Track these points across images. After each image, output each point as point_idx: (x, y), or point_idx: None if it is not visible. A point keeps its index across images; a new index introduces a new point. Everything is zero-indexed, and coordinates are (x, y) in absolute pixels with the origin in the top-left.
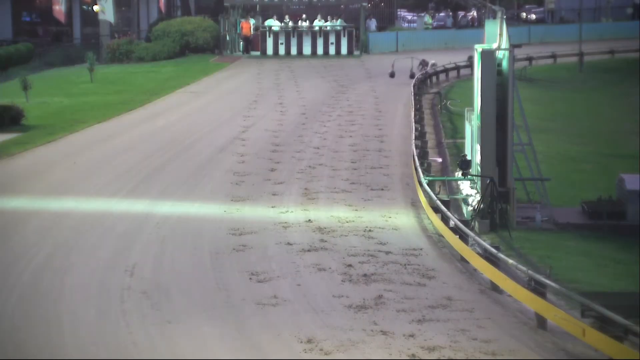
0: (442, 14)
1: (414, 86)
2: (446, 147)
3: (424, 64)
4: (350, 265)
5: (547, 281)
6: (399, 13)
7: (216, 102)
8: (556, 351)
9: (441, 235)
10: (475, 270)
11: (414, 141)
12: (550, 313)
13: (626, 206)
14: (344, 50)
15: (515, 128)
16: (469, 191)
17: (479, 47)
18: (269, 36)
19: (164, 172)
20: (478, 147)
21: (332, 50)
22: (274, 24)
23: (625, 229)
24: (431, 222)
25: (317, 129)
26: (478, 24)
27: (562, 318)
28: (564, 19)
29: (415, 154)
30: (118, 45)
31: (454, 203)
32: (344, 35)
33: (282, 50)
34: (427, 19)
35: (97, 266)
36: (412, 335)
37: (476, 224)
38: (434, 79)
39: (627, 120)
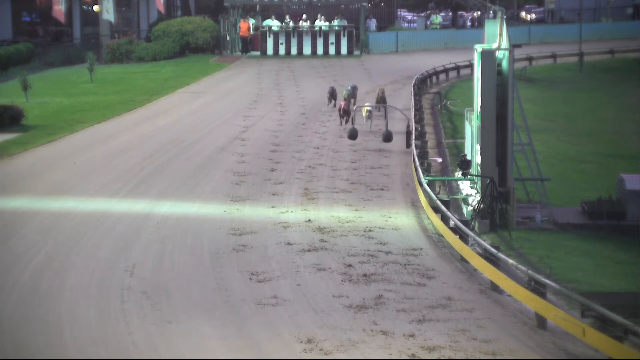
0: (441, 14)
1: (414, 86)
2: (446, 147)
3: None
4: (350, 265)
5: (547, 281)
6: (399, 13)
7: (216, 102)
8: (556, 351)
9: (441, 235)
10: (475, 270)
11: (414, 141)
12: (550, 313)
13: (626, 206)
14: (344, 50)
15: (515, 128)
16: (469, 191)
17: (479, 47)
18: (269, 36)
19: (164, 172)
20: (478, 147)
21: (332, 50)
22: (272, 23)
23: (625, 229)
24: (431, 222)
25: (317, 129)
26: (478, 24)
27: (562, 318)
28: (564, 19)
29: (415, 154)
30: (118, 45)
31: (454, 203)
32: (344, 35)
33: (282, 50)
34: (434, 18)
35: (97, 266)
36: (412, 335)
37: (476, 224)
38: (434, 79)
39: (627, 120)
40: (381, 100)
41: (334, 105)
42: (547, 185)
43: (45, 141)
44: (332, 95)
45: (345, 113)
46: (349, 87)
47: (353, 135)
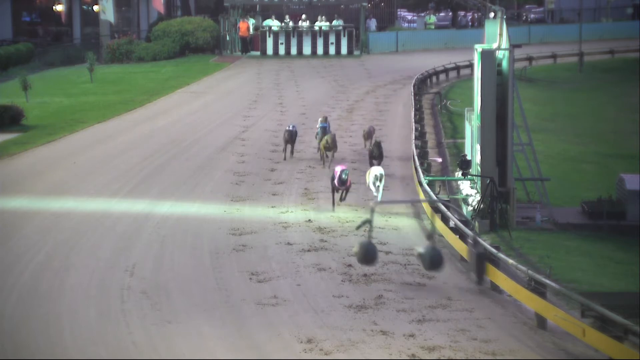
0: (441, 14)
1: (414, 86)
2: (446, 147)
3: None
4: (350, 265)
5: (547, 281)
6: (399, 13)
7: (216, 102)
8: (556, 351)
9: (441, 235)
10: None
11: (414, 141)
12: (550, 313)
13: (626, 206)
14: (344, 50)
15: (515, 128)
16: (469, 191)
17: (479, 47)
18: (269, 36)
19: (164, 172)
20: (478, 147)
21: (332, 50)
22: (272, 23)
23: (625, 229)
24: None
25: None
26: (478, 24)
27: (562, 318)
28: (564, 19)
29: (415, 154)
30: (118, 45)
31: (454, 203)
32: (344, 35)
33: (282, 50)
34: (428, 18)
35: (97, 266)
36: (412, 335)
37: (476, 224)
38: (434, 79)
39: (627, 120)
40: (377, 154)
41: (292, 152)
42: (547, 185)
43: (45, 141)
44: (291, 137)
45: (342, 186)
46: (320, 124)
47: (370, 256)
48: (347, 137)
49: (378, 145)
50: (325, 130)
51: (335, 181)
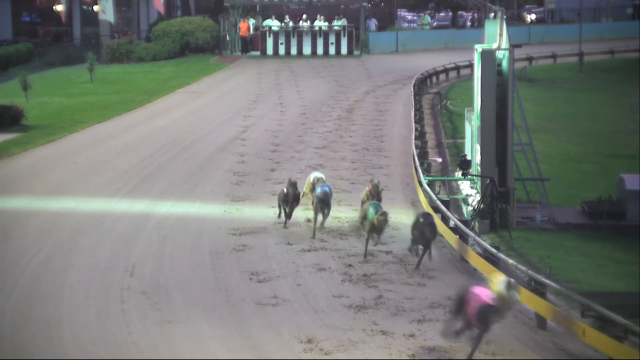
0: (441, 14)
1: (414, 86)
2: (446, 147)
3: None
4: (350, 265)
5: (547, 281)
6: (399, 13)
7: (216, 102)
8: (556, 351)
9: (441, 235)
10: (475, 270)
11: (414, 141)
12: (550, 313)
13: (626, 206)
14: (344, 50)
15: (515, 128)
16: (469, 191)
17: (479, 47)
18: (269, 36)
19: (164, 172)
20: (478, 147)
21: (332, 50)
22: (272, 24)
23: (625, 229)
24: None
25: (317, 129)
26: (478, 24)
27: (562, 318)
28: (564, 19)
29: (415, 154)
30: (118, 45)
31: (454, 203)
32: (344, 35)
33: (282, 50)
34: (423, 19)
35: (97, 266)
36: (412, 335)
37: (476, 224)
38: (434, 79)
39: (627, 120)
40: (430, 236)
41: (287, 216)
42: (547, 185)
43: (45, 141)
44: (295, 198)
45: (482, 325)
46: (320, 187)
47: None
48: (347, 137)
49: (431, 223)
50: (327, 195)
51: (474, 318)
